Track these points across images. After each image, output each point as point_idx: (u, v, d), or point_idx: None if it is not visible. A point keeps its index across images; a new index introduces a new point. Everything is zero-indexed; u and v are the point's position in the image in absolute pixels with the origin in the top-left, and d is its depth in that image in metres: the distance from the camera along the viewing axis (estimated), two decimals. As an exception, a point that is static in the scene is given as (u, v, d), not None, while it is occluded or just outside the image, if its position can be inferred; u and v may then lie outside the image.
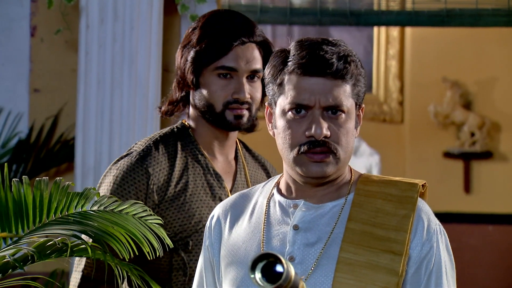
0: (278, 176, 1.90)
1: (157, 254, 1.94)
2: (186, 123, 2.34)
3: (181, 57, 2.30)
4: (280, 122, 1.79)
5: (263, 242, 1.80)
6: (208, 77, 2.27)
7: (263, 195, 1.88)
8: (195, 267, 2.22)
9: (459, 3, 4.63)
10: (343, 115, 1.77)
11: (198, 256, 2.16)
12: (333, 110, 1.76)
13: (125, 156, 2.27)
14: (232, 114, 2.28)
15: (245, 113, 2.29)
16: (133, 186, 2.22)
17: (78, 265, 2.25)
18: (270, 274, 1.52)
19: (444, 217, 7.70)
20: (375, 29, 7.88)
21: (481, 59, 7.57)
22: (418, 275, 1.78)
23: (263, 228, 1.81)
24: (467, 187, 7.63)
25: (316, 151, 1.75)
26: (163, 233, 1.97)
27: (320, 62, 1.74)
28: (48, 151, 4.13)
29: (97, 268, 2.13)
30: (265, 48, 2.32)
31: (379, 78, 7.92)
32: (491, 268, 7.57)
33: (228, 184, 2.35)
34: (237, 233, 1.86)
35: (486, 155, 7.58)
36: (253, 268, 1.52)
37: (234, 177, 2.37)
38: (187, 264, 2.25)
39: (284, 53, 1.79)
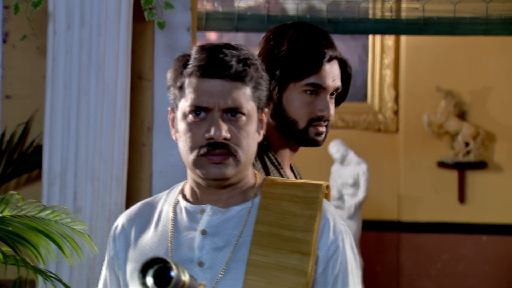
0: (182, 183, 1.90)
1: (80, 260, 1.92)
2: None
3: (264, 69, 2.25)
4: (181, 126, 1.79)
5: (171, 249, 1.79)
6: (294, 92, 2.22)
7: (168, 202, 1.87)
8: None
9: (437, 12, 4.61)
10: (243, 117, 1.77)
11: None
12: (233, 113, 1.76)
13: None
14: (314, 131, 2.24)
15: (325, 130, 2.26)
16: None
17: None
18: (163, 279, 1.50)
19: (438, 227, 7.71)
20: (370, 38, 7.87)
21: (476, 68, 7.54)
22: (325, 275, 1.78)
23: (170, 235, 1.81)
24: (462, 197, 7.59)
25: (215, 153, 1.75)
26: (88, 239, 1.96)
27: (218, 64, 1.74)
28: (19, 158, 4.12)
29: None
30: (342, 65, 2.29)
31: (374, 87, 7.91)
32: (485, 279, 7.52)
33: None
34: (144, 242, 1.85)
35: (481, 165, 7.55)
36: (145, 273, 1.50)
37: None
38: None
39: (185, 57, 1.79)
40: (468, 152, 7.55)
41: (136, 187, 4.12)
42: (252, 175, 1.85)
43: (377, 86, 7.89)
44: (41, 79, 4.09)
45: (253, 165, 2.15)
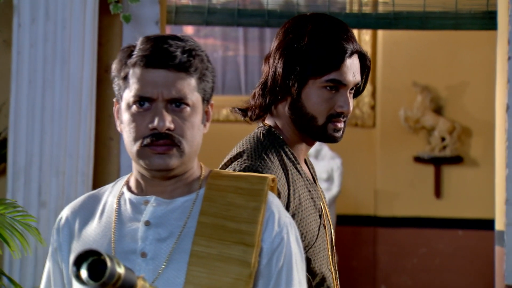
0: (128, 175, 1.89)
1: (25, 253, 1.91)
2: (271, 127, 2.25)
3: (283, 64, 2.20)
4: (125, 116, 1.77)
5: (114, 241, 1.77)
6: (314, 88, 2.19)
7: (113, 194, 1.87)
8: (317, 284, 2.19)
9: (407, 6, 4.61)
10: (188, 108, 1.75)
11: (317, 271, 2.18)
12: (177, 103, 1.74)
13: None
14: (332, 127, 2.20)
15: (342, 126, 2.22)
16: None
17: None
18: (98, 272, 1.48)
19: (414, 222, 7.72)
20: (347, 33, 7.85)
21: (452, 64, 7.55)
22: (270, 266, 1.77)
23: (114, 226, 1.80)
24: (438, 192, 7.61)
25: (159, 143, 1.73)
26: (35, 233, 1.94)
27: (163, 54, 1.73)
28: (-15, 152, 4.09)
29: None
30: (361, 58, 2.25)
31: (351, 82, 7.89)
32: (460, 273, 7.54)
33: (318, 192, 2.28)
34: (87, 234, 1.84)
35: (457, 160, 7.57)
36: (80, 266, 1.48)
37: (313, 181, 2.30)
38: (312, 282, 2.19)
39: (130, 48, 1.78)
40: (444, 147, 7.57)
41: (104, 181, 4.10)
42: (197, 167, 1.84)
43: (354, 81, 7.88)
44: (8, 72, 4.06)
45: (271, 161, 2.15)
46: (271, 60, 2.23)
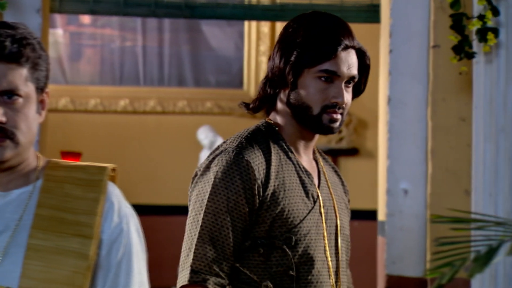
0: None
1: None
2: (270, 121, 2.32)
3: (280, 55, 2.26)
4: None
5: None
6: (308, 78, 2.26)
7: None
8: (300, 262, 2.23)
9: (294, -3, 4.66)
10: (20, 99, 1.73)
11: (302, 250, 2.21)
12: (9, 95, 1.72)
13: (219, 154, 2.24)
14: (328, 118, 2.26)
15: (339, 117, 2.28)
16: (239, 177, 2.20)
17: (185, 262, 2.22)
18: None
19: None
20: (246, 25, 7.89)
21: (349, 56, 7.65)
22: (109, 258, 1.77)
23: None
24: (334, 183, 7.69)
25: None
26: None
27: None
28: None
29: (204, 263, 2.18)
30: (360, 55, 2.30)
31: (250, 74, 7.92)
32: (355, 264, 7.62)
33: (315, 182, 2.33)
34: None
35: (353, 152, 7.67)
36: None
37: (318, 175, 2.37)
38: (293, 259, 2.23)
39: None
40: (341, 139, 7.66)
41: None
42: (33, 158, 1.82)
43: (253, 73, 7.91)
44: None
45: (250, 144, 2.23)
46: (272, 55, 2.32)
